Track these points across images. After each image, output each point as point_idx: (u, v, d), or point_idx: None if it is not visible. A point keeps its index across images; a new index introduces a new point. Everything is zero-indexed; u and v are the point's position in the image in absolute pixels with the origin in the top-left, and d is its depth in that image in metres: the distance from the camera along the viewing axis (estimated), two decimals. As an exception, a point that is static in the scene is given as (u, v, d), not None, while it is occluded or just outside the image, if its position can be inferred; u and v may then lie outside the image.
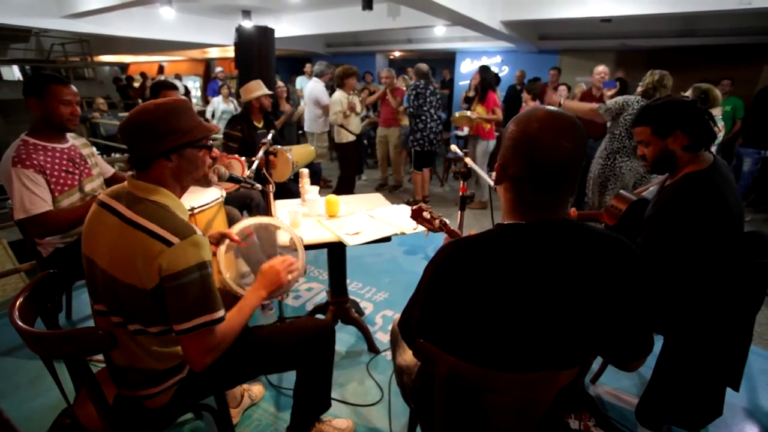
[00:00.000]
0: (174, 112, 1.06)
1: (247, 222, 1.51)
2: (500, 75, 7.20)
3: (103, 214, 1.04)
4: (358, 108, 4.39)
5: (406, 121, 4.91)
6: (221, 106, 6.55)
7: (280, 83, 4.49)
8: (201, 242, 1.01)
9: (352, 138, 4.44)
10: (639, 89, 2.70)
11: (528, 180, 0.83)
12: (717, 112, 3.00)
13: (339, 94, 4.31)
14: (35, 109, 1.76)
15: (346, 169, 4.61)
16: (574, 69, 8.17)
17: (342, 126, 4.34)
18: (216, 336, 1.04)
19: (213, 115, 6.51)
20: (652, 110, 1.43)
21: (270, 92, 3.23)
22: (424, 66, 4.48)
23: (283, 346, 1.31)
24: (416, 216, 1.39)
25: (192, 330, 0.99)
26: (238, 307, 1.17)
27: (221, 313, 1.04)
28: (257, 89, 3.11)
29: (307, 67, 6.32)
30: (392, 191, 5.37)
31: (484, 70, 4.43)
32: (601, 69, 3.87)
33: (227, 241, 1.39)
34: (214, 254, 1.36)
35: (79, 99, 1.85)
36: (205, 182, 1.20)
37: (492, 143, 4.52)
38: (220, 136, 3.46)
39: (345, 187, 4.59)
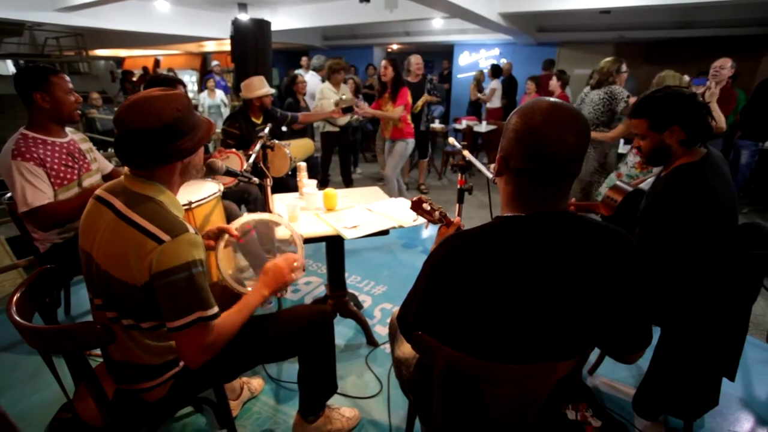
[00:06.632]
0: (190, 107, 1.05)
1: (248, 218, 1.50)
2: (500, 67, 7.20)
3: (101, 209, 1.03)
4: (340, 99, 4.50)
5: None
6: (207, 101, 6.48)
7: (300, 77, 4.43)
8: (193, 240, 1.00)
9: (332, 129, 4.61)
10: (592, 81, 2.83)
11: (530, 172, 0.82)
12: None
13: (325, 85, 4.50)
14: (42, 103, 1.71)
15: (322, 153, 4.79)
16: (573, 61, 8.15)
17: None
18: (211, 334, 1.03)
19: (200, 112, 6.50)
20: (651, 102, 1.38)
21: (272, 91, 3.17)
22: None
23: (281, 333, 1.31)
24: (416, 208, 1.39)
25: (184, 327, 0.98)
26: (238, 308, 1.15)
27: (214, 310, 1.03)
28: (260, 87, 3.02)
29: (303, 60, 6.26)
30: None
31: (394, 63, 3.75)
32: (719, 64, 2.78)
33: (226, 236, 1.38)
34: (211, 248, 1.36)
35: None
36: (200, 172, 1.19)
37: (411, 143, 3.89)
38: (218, 131, 3.43)
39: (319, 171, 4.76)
